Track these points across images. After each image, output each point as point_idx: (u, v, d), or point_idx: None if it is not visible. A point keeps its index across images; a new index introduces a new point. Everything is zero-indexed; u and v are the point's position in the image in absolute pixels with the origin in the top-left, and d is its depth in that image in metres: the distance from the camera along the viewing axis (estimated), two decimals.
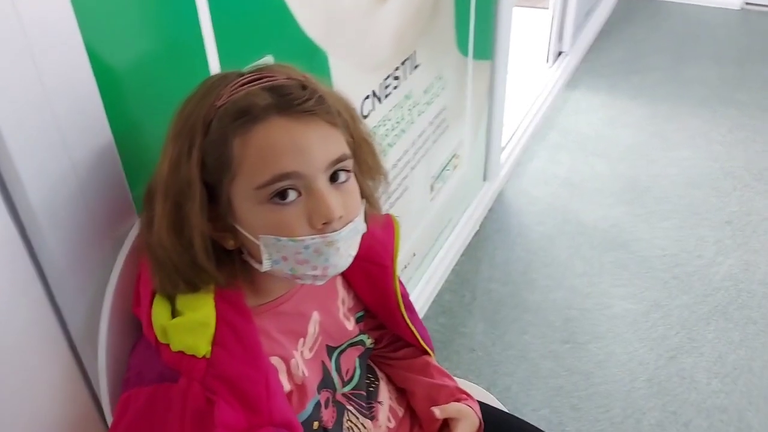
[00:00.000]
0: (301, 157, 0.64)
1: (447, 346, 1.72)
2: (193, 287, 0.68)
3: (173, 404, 0.66)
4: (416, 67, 1.48)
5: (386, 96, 1.38)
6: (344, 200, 0.68)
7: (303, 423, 0.76)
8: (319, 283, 0.70)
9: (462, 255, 2.01)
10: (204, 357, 0.66)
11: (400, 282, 0.94)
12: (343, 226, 0.67)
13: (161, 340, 0.67)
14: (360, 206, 0.71)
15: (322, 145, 0.66)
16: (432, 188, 1.77)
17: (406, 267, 1.70)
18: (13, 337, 0.71)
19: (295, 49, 1.05)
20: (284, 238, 0.65)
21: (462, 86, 1.81)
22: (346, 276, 0.86)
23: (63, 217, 0.70)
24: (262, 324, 0.74)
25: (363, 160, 0.75)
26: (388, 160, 1.45)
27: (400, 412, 0.94)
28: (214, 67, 0.88)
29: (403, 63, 1.42)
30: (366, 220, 0.78)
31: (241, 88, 0.66)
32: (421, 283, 1.82)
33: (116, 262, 0.76)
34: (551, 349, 1.72)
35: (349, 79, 1.22)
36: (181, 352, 0.66)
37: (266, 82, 0.67)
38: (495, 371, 1.66)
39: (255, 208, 0.66)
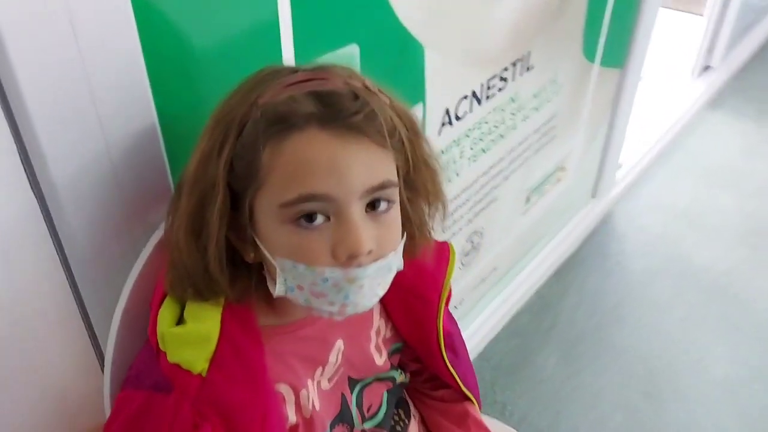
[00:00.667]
0: (336, 179, 0.56)
1: (514, 371, 1.60)
2: (201, 296, 0.62)
3: (163, 418, 0.61)
4: (529, 69, 1.35)
5: (488, 98, 1.26)
6: (379, 233, 0.59)
7: None
8: (338, 318, 0.62)
9: (552, 275, 1.86)
10: (199, 374, 0.60)
11: (452, 318, 0.84)
12: (372, 263, 0.58)
13: (160, 346, 0.62)
14: (398, 241, 0.62)
15: (363, 168, 0.56)
16: (527, 200, 1.63)
17: (483, 281, 1.59)
18: (32, 321, 0.68)
19: (385, 39, 0.95)
20: (301, 266, 0.57)
21: (581, 94, 1.64)
22: (385, 304, 0.77)
23: (89, 200, 0.66)
24: (277, 347, 0.67)
25: (421, 184, 0.66)
26: (479, 167, 1.34)
27: None
28: (288, 52, 0.80)
29: (514, 64, 1.29)
30: (416, 249, 0.69)
31: (287, 88, 0.58)
32: (497, 299, 1.70)
33: (143, 251, 0.70)
34: (627, 399, 1.55)
35: (446, 77, 1.11)
36: (177, 365, 0.60)
37: (318, 84, 0.58)
38: (560, 410, 1.52)
39: (277, 227, 0.58)
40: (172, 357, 0.61)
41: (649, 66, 1.89)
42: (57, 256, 0.67)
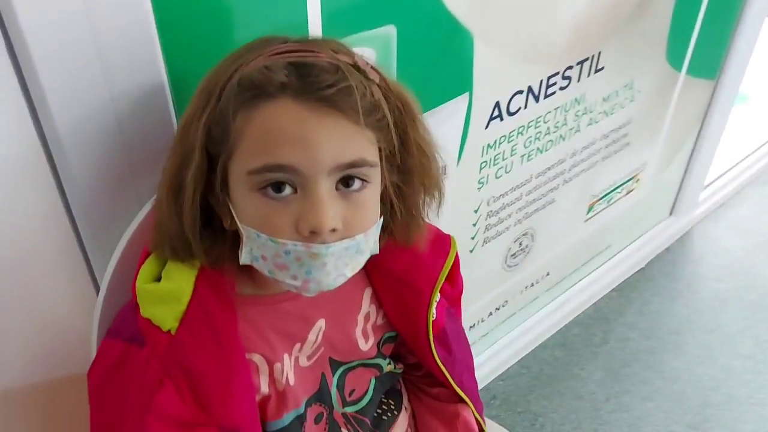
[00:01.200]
0: (303, 152, 0.55)
1: (553, 382, 1.54)
2: (177, 256, 0.63)
3: (137, 369, 0.63)
4: (598, 70, 1.28)
5: (547, 96, 1.20)
6: (349, 212, 0.58)
7: None
8: (306, 294, 0.61)
9: (613, 290, 1.77)
10: (168, 332, 0.61)
11: (453, 317, 0.81)
12: (336, 242, 0.57)
13: (138, 300, 0.64)
14: (371, 223, 0.60)
15: (334, 143, 0.55)
16: (591, 208, 1.56)
17: (532, 285, 1.53)
18: (33, 262, 0.71)
19: (428, 23, 0.93)
20: (264, 236, 0.57)
21: (662, 103, 1.55)
22: (377, 291, 0.76)
23: (92, 148, 0.67)
24: (254, 316, 0.67)
25: (415, 169, 0.64)
26: (534, 166, 1.29)
27: None
28: (315, 21, 0.79)
29: (579, 63, 1.23)
30: (408, 237, 0.68)
31: (270, 57, 0.57)
32: (549, 307, 1.63)
33: (146, 205, 0.72)
34: (671, 429, 1.46)
35: (498, 69, 1.07)
36: (149, 320, 0.62)
37: (301, 55, 0.57)
38: (595, 430, 1.45)
39: (246, 194, 0.58)
40: (145, 312, 0.62)
41: (751, 79, 1.74)
42: (60, 200, 0.70)
